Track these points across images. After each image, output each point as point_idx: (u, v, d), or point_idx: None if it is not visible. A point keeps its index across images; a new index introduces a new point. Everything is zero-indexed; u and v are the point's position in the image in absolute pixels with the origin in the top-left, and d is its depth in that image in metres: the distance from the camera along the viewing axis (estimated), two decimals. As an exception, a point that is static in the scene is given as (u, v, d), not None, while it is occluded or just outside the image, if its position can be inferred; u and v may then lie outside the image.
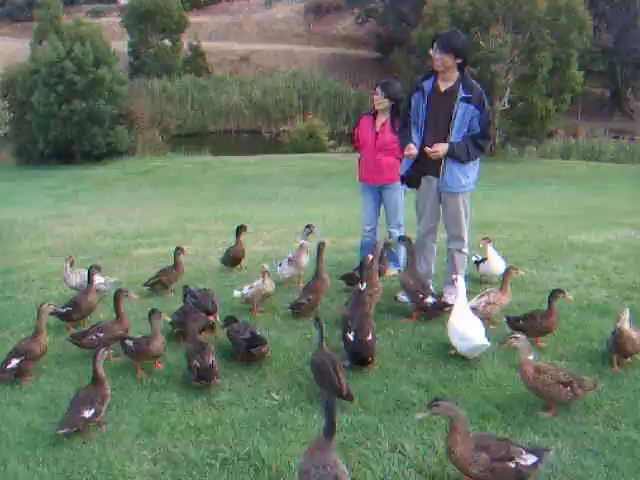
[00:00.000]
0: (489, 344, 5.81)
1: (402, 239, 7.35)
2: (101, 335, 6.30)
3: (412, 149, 6.79)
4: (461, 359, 5.89)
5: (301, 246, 7.96)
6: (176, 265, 8.02)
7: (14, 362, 5.88)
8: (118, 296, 6.52)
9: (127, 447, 4.80)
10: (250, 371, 5.88)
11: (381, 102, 7.97)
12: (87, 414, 4.90)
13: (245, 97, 41.19)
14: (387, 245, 7.68)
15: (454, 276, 6.56)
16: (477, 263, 8.09)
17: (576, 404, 5.15)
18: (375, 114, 8.13)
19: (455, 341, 5.92)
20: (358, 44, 52.66)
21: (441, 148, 6.67)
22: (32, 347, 5.94)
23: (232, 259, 8.78)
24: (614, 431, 4.83)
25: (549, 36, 27.09)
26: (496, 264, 7.90)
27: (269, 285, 7.16)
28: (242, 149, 34.26)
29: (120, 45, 37.37)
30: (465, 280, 7.11)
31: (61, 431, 4.88)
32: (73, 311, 6.97)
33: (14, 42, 48.13)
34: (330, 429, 3.82)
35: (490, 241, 8.05)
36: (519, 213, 14.27)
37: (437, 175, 6.88)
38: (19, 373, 5.91)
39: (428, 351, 6.17)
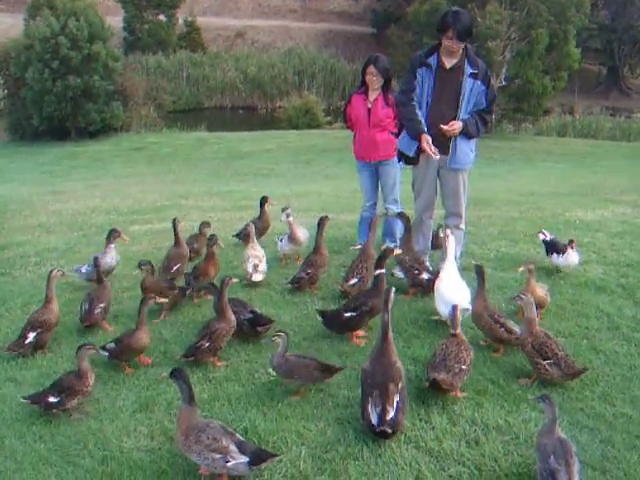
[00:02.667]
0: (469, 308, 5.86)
1: (400, 215, 7.35)
2: (103, 305, 6.37)
3: (431, 145, 6.63)
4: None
5: (289, 224, 7.90)
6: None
7: (31, 335, 5.87)
8: (97, 263, 6.66)
9: (124, 423, 4.82)
10: (246, 347, 5.89)
11: (377, 80, 7.90)
12: (51, 399, 4.90)
13: (240, 73, 40.93)
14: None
15: (446, 231, 6.62)
16: (545, 242, 7.60)
17: (573, 381, 5.16)
18: (365, 91, 8.06)
19: (440, 307, 5.96)
20: (354, 20, 52.31)
21: (457, 126, 6.64)
22: (47, 317, 5.93)
23: (260, 230, 8.75)
24: (610, 407, 4.86)
25: (546, 12, 26.94)
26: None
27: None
28: (238, 125, 34.15)
29: (115, 21, 36.98)
30: (461, 256, 7.14)
31: (23, 399, 4.95)
32: (197, 277, 6.97)
33: (7, 18, 47.62)
34: None
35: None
36: (515, 190, 14.26)
37: (445, 153, 6.83)
38: (37, 346, 5.90)
39: (424, 327, 6.18)
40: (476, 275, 5.91)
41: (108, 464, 4.38)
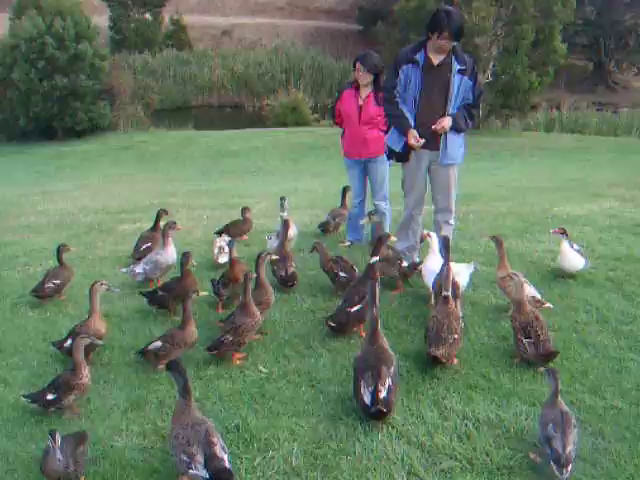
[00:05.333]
0: None
1: (372, 213, 7.64)
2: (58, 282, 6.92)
3: (417, 137, 6.74)
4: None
5: (284, 220, 7.88)
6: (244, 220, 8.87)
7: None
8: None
9: (116, 422, 4.81)
10: (237, 345, 5.88)
11: (365, 77, 7.91)
12: (49, 396, 4.89)
13: (228, 71, 40.82)
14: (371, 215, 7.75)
15: (425, 232, 7.02)
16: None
17: (563, 374, 5.19)
18: (357, 87, 8.08)
19: (428, 279, 6.25)
20: (341, 17, 52.25)
21: (446, 122, 6.68)
22: (96, 328, 5.72)
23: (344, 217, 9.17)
24: (600, 400, 4.89)
25: (532, 8, 26.97)
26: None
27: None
28: (225, 123, 34.02)
29: (101, 20, 36.85)
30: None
31: (23, 398, 4.96)
32: (227, 284, 6.75)
33: (-8, 17, 47.50)
34: None
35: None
36: (503, 185, 14.28)
37: (436, 149, 6.87)
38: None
39: (415, 323, 6.19)
40: (442, 247, 6.23)
41: (100, 464, 4.37)
